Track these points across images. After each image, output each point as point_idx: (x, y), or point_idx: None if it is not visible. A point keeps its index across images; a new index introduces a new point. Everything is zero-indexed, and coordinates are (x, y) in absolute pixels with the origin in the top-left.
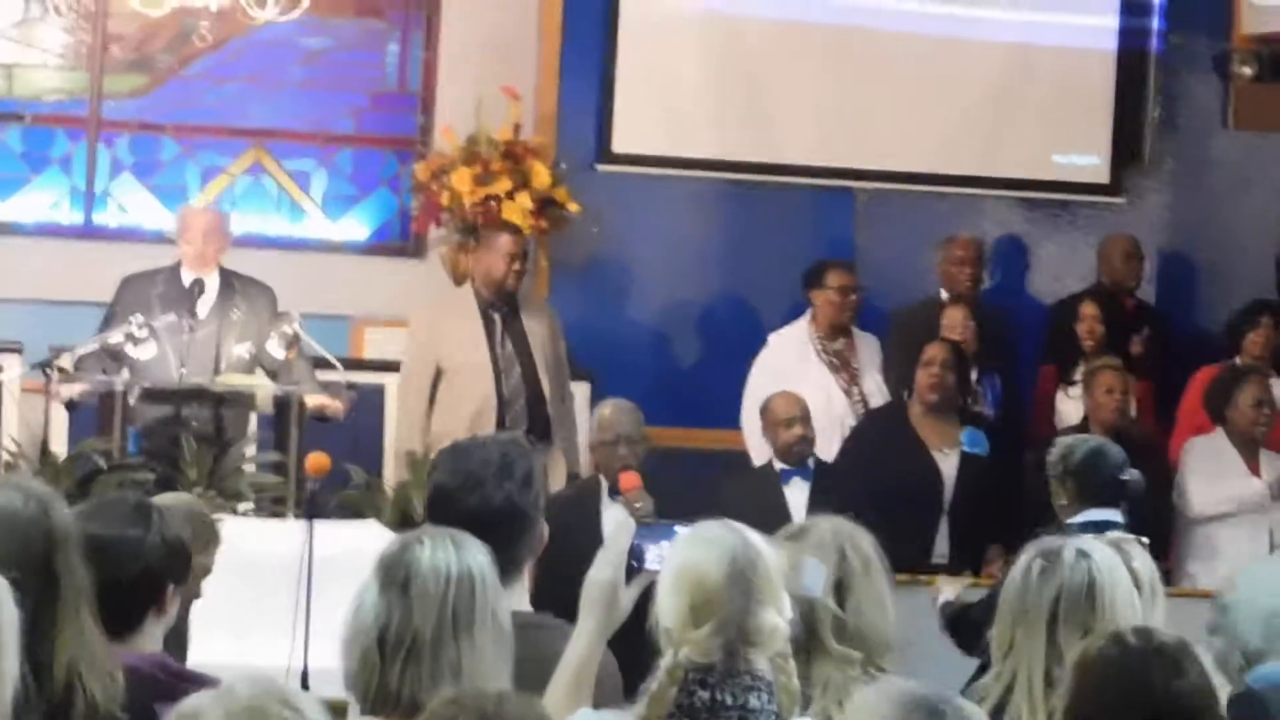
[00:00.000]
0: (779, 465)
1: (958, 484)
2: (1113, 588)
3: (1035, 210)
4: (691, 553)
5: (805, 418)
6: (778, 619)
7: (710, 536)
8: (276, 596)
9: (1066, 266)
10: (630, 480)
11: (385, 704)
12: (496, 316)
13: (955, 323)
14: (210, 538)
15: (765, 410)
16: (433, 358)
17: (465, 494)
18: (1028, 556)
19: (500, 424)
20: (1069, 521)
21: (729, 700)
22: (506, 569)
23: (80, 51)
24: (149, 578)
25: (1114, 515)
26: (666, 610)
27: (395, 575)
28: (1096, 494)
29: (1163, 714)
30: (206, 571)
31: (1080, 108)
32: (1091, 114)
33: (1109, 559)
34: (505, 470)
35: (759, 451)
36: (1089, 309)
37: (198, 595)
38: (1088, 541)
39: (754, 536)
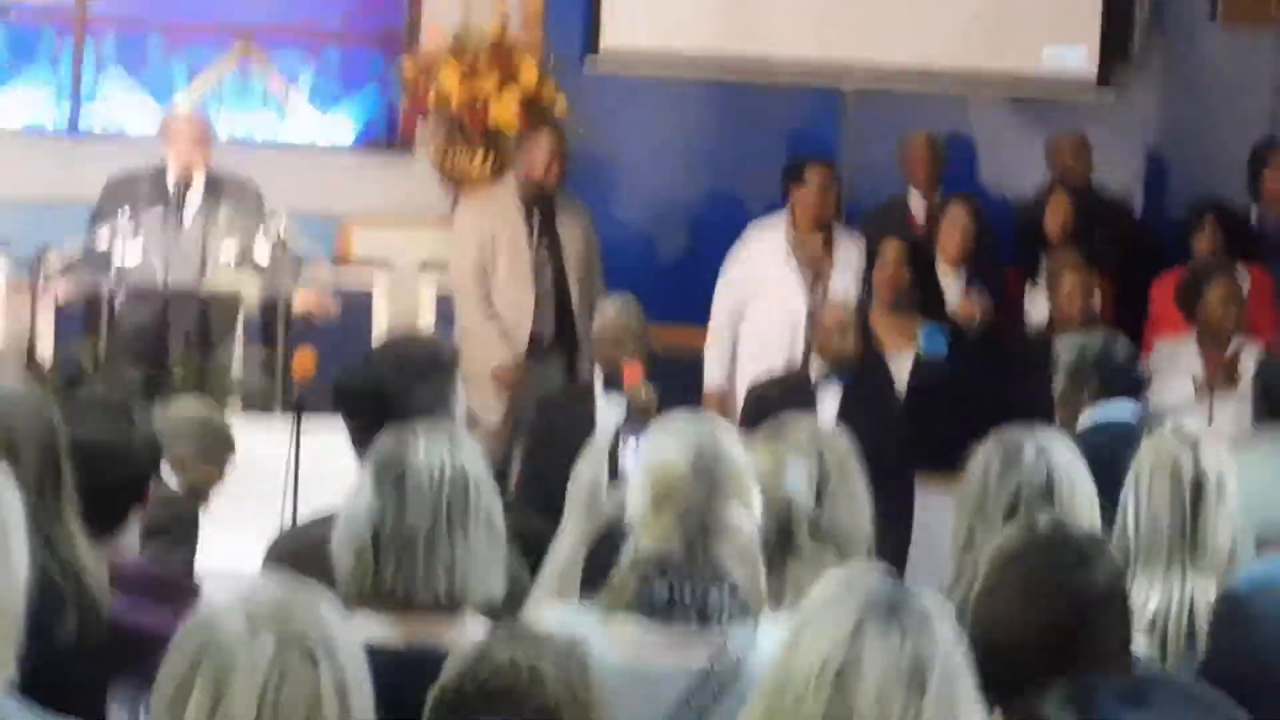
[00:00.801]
0: (815, 375)
1: (910, 384)
2: (1071, 484)
3: (1022, 109)
4: (659, 443)
5: (846, 326)
6: (742, 513)
7: (678, 427)
8: (263, 494)
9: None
10: (633, 372)
11: (379, 600)
12: (536, 215)
13: (957, 219)
14: (225, 447)
15: (814, 312)
16: (477, 252)
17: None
18: (987, 449)
19: (533, 329)
20: (1085, 419)
21: (687, 594)
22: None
23: None
24: (134, 477)
25: (1128, 410)
26: (632, 501)
27: (389, 471)
28: (1119, 388)
29: (1064, 606)
30: (218, 479)
31: (1069, 2)
32: (1080, 8)
33: (1067, 456)
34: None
35: (715, 360)
36: (1060, 200)
37: (205, 501)
38: (1048, 437)
39: (724, 430)
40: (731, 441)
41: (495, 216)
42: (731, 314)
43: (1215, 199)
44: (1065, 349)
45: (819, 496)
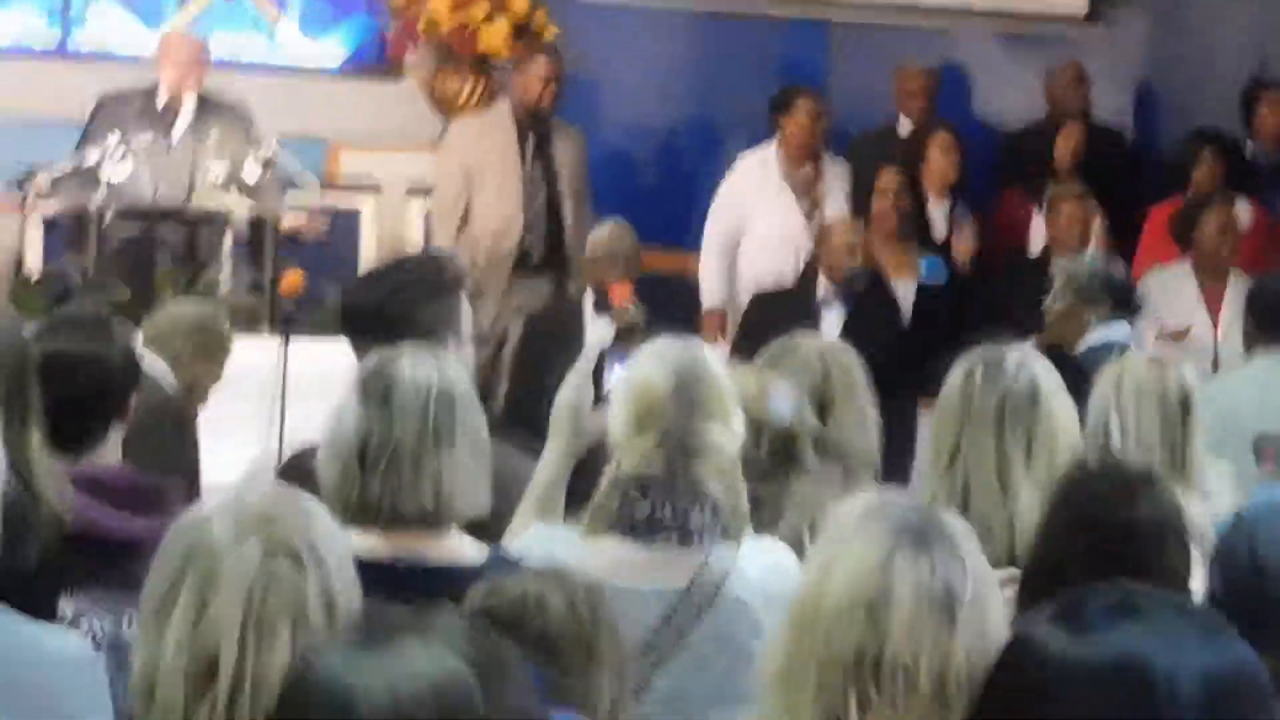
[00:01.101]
0: (822, 294)
1: (915, 312)
2: (1052, 395)
3: (1012, 40)
4: (640, 364)
5: (854, 245)
6: (723, 434)
7: (660, 350)
8: (252, 413)
9: (1040, 97)
10: (622, 291)
11: (365, 514)
12: (531, 138)
13: (943, 147)
14: (221, 347)
15: (826, 231)
16: (465, 174)
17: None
18: (968, 363)
19: (520, 246)
20: (1084, 341)
21: (668, 513)
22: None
23: None
24: (113, 391)
25: (1122, 331)
26: (614, 422)
27: (376, 388)
28: (1122, 309)
29: (1119, 541)
30: (215, 379)
31: None
32: None
33: (1048, 367)
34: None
35: (711, 281)
36: (1071, 130)
37: (203, 402)
38: (1027, 351)
39: (706, 352)
40: (713, 362)
41: (484, 140)
42: (727, 236)
43: (1212, 130)
44: (1067, 269)
45: (825, 413)
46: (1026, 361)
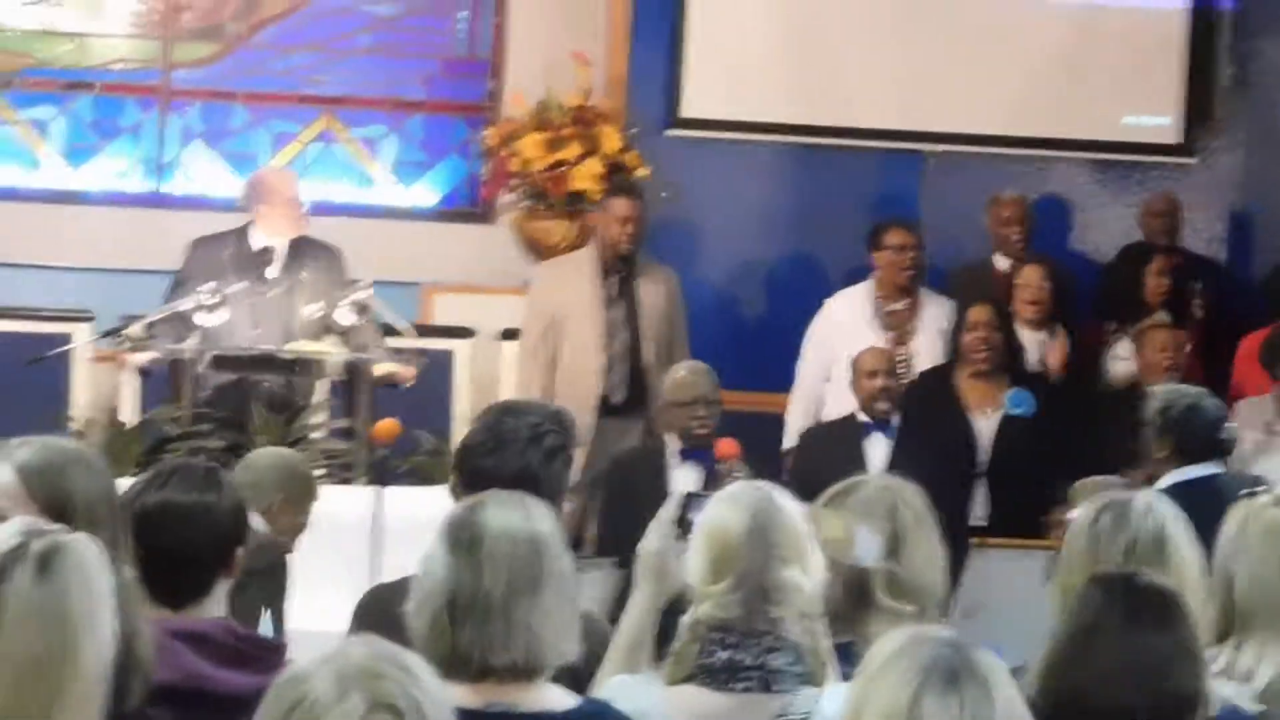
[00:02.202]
0: (861, 418)
1: (996, 446)
2: (1179, 538)
3: (1105, 172)
4: (716, 510)
5: (890, 371)
6: (801, 577)
7: (734, 494)
8: (347, 562)
9: (1134, 228)
10: (729, 447)
11: (456, 667)
12: (614, 280)
13: (1031, 282)
14: (306, 493)
15: (854, 361)
16: (548, 318)
17: (485, 454)
18: (1094, 508)
19: (603, 389)
20: (1168, 478)
21: (749, 660)
22: None
23: (150, 19)
24: (221, 543)
25: (1207, 471)
26: (691, 568)
27: (463, 537)
28: (1195, 449)
29: (1132, 661)
30: (302, 528)
31: (1151, 67)
32: (1163, 74)
33: (1175, 511)
34: (534, 439)
35: (795, 425)
36: (1161, 263)
37: (290, 550)
38: (1153, 494)
39: (780, 495)
40: (788, 505)
41: (568, 284)
42: (816, 378)
43: None
44: (1158, 399)
45: (895, 552)
46: (1155, 506)
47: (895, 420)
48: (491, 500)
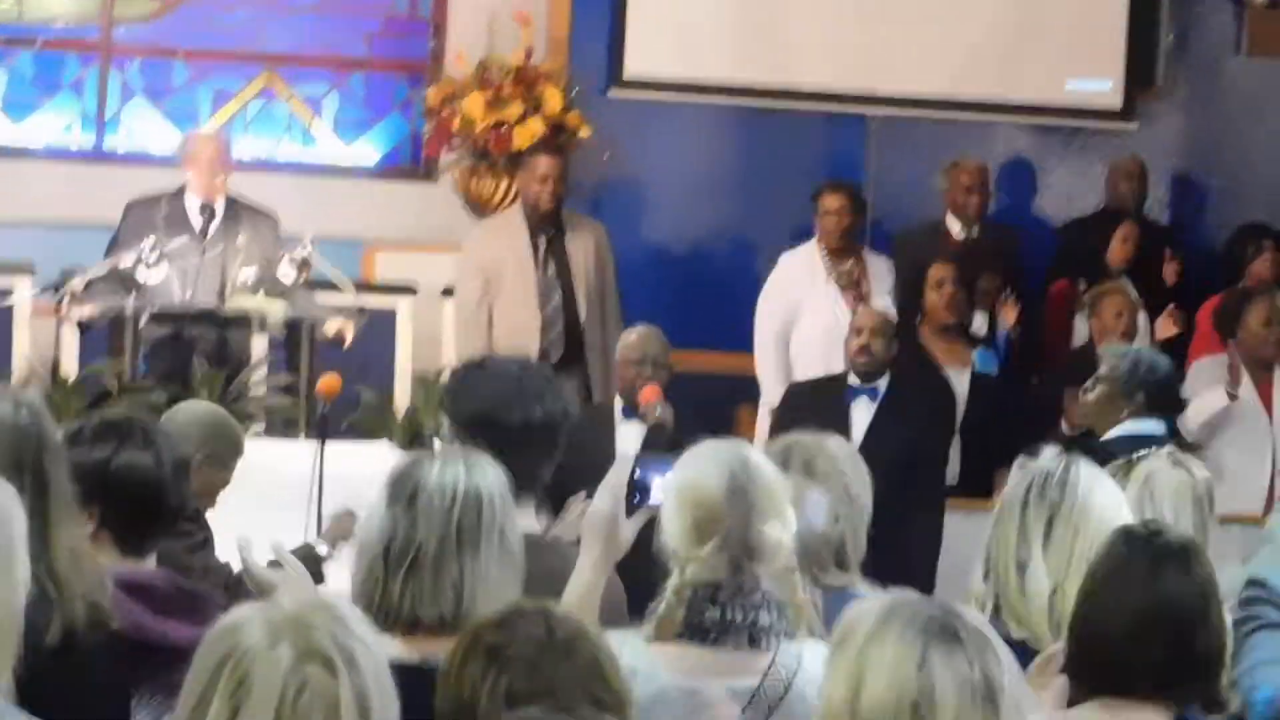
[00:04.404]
0: (852, 381)
1: (969, 404)
2: (1104, 506)
3: (1047, 135)
4: (690, 470)
5: (876, 330)
6: (781, 532)
7: (707, 453)
8: (288, 516)
9: (1077, 190)
10: (651, 392)
11: (387, 618)
12: (542, 238)
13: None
14: (232, 449)
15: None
16: (483, 277)
17: (510, 410)
18: (1019, 480)
19: (540, 347)
20: (1115, 430)
21: (739, 617)
22: (526, 485)
23: None
24: (161, 497)
25: (1155, 427)
26: (670, 531)
27: (402, 490)
28: (1162, 404)
29: (1158, 611)
30: (223, 484)
31: (1094, 32)
32: (1105, 39)
33: (1099, 477)
34: (549, 386)
35: (770, 378)
36: (1129, 229)
37: (211, 506)
38: (1077, 460)
39: (752, 451)
40: (762, 461)
41: (500, 242)
42: (777, 335)
43: (1263, 225)
44: (1111, 356)
45: (835, 520)
46: (1075, 461)
47: (882, 384)
48: (438, 456)
